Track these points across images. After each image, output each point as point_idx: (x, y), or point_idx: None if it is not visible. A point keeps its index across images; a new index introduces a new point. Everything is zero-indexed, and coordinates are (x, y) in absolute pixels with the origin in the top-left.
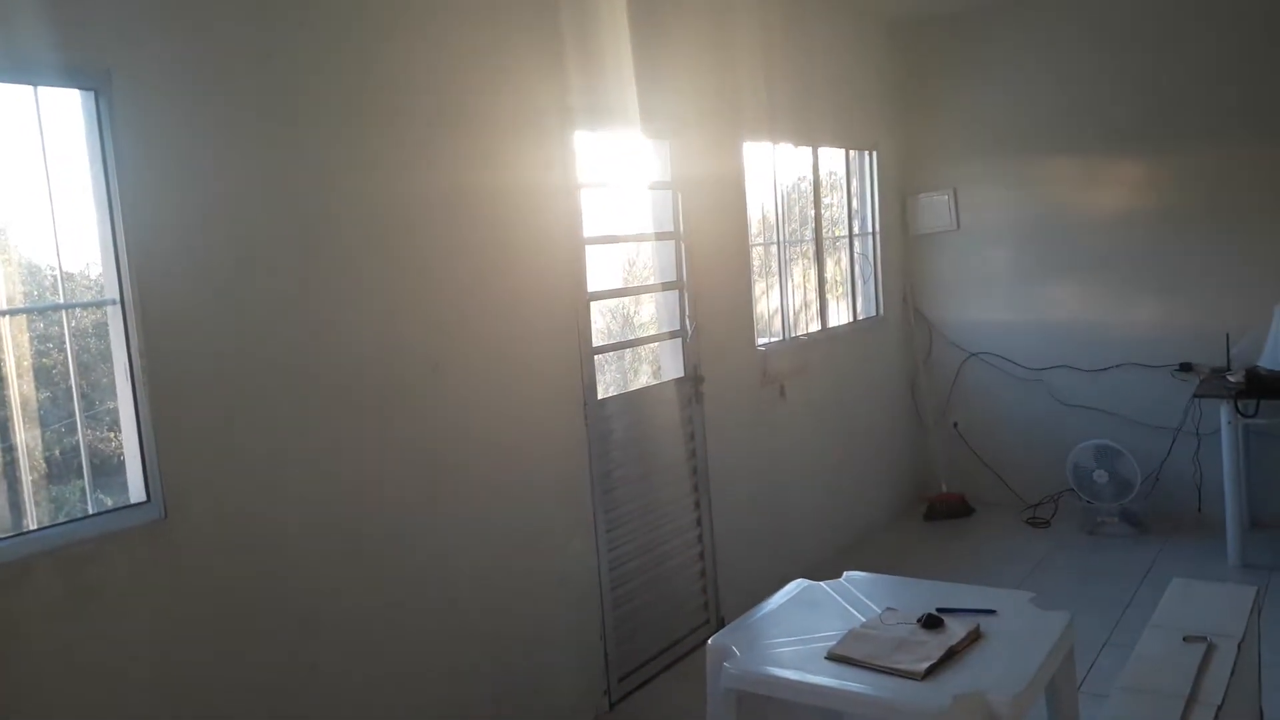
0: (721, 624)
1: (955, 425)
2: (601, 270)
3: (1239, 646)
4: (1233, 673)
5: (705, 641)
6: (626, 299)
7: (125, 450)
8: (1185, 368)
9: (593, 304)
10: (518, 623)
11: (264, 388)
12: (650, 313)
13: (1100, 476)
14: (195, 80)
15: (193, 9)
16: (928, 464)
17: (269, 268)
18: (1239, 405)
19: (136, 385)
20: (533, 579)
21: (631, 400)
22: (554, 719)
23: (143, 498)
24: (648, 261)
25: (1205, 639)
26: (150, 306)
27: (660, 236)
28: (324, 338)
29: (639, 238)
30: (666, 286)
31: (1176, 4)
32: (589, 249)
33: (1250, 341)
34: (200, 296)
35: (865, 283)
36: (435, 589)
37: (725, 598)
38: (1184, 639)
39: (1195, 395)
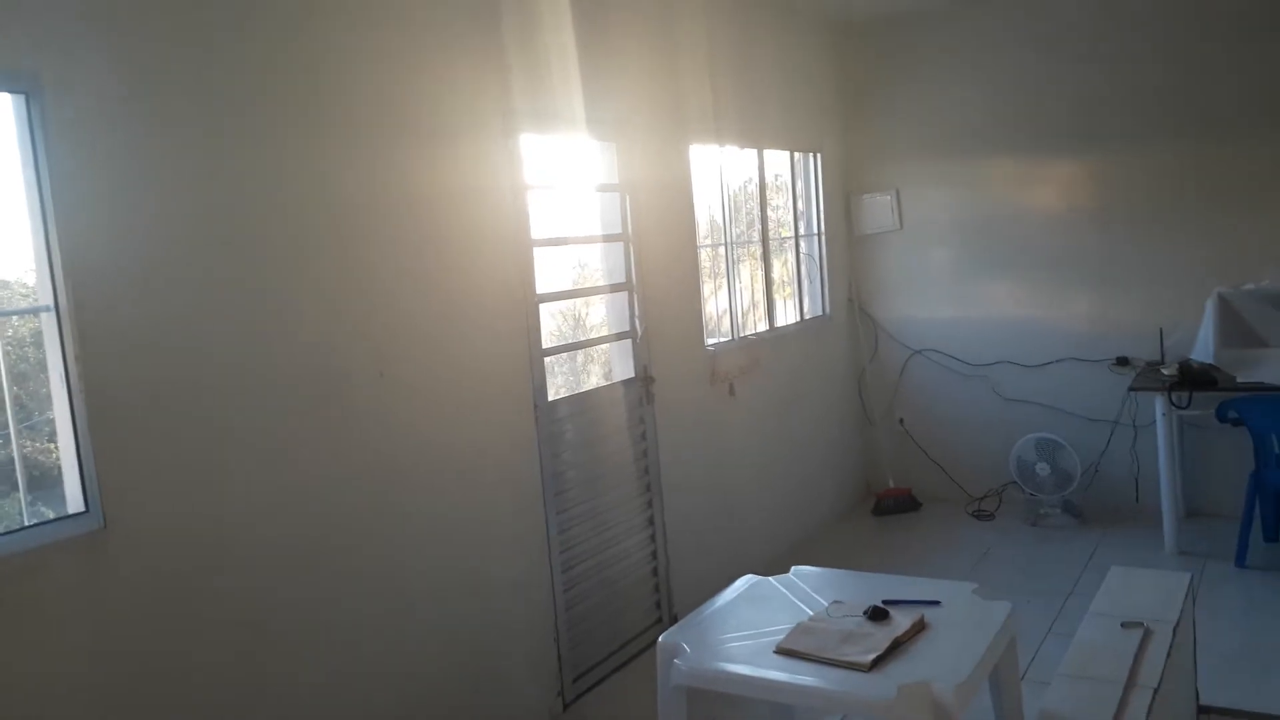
0: (674, 622)
1: (901, 421)
2: (551, 272)
3: (1174, 630)
4: (1169, 656)
5: (658, 640)
6: (577, 301)
7: (62, 459)
8: (1122, 362)
9: (542, 306)
10: (470, 625)
11: (205, 394)
12: (601, 314)
13: (1042, 469)
14: (130, 84)
15: (126, 13)
16: (875, 460)
17: (208, 273)
18: (1173, 397)
19: (73, 392)
20: (485, 581)
21: (582, 401)
22: None
23: (81, 508)
24: (598, 264)
25: (1142, 624)
26: (86, 313)
27: (609, 238)
28: (266, 343)
29: (587, 240)
30: (615, 288)
31: (1108, 11)
32: (537, 251)
33: (1183, 335)
34: (138, 302)
35: (811, 283)
36: (386, 593)
37: (677, 596)
38: (1122, 625)
39: (1131, 388)
